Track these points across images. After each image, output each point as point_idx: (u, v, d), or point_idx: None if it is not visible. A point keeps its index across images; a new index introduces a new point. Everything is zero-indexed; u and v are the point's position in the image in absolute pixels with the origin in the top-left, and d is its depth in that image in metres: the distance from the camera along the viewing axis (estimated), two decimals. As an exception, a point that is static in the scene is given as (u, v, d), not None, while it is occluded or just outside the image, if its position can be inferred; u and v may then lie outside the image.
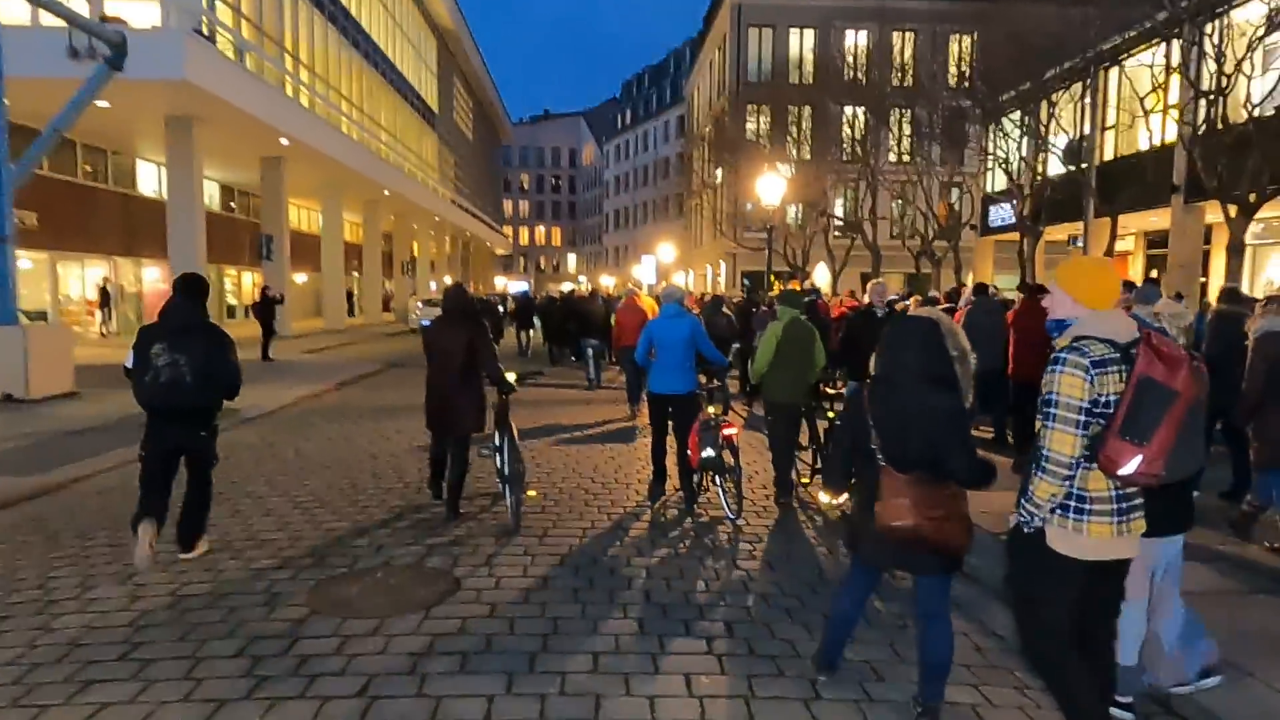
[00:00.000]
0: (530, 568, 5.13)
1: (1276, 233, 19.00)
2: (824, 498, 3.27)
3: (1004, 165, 21.73)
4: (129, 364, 5.02)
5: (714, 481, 6.65)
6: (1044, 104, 20.56)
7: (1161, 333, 3.14)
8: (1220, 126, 13.79)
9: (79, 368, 12.71)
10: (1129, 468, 2.63)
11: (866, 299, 9.70)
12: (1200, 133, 14.05)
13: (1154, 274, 21.00)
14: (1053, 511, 2.83)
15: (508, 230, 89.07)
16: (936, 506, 3.14)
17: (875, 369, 3.37)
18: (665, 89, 69.38)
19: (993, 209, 28.26)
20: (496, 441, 6.42)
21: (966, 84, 26.16)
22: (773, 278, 35.73)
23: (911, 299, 11.51)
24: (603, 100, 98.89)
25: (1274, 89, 13.11)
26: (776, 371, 6.68)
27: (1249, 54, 13.19)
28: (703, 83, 47.97)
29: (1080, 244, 23.65)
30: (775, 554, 5.56)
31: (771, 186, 12.43)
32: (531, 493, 6.90)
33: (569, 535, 5.89)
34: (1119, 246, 24.27)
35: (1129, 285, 9.95)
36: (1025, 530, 2.91)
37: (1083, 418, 2.70)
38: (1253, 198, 13.51)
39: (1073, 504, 2.81)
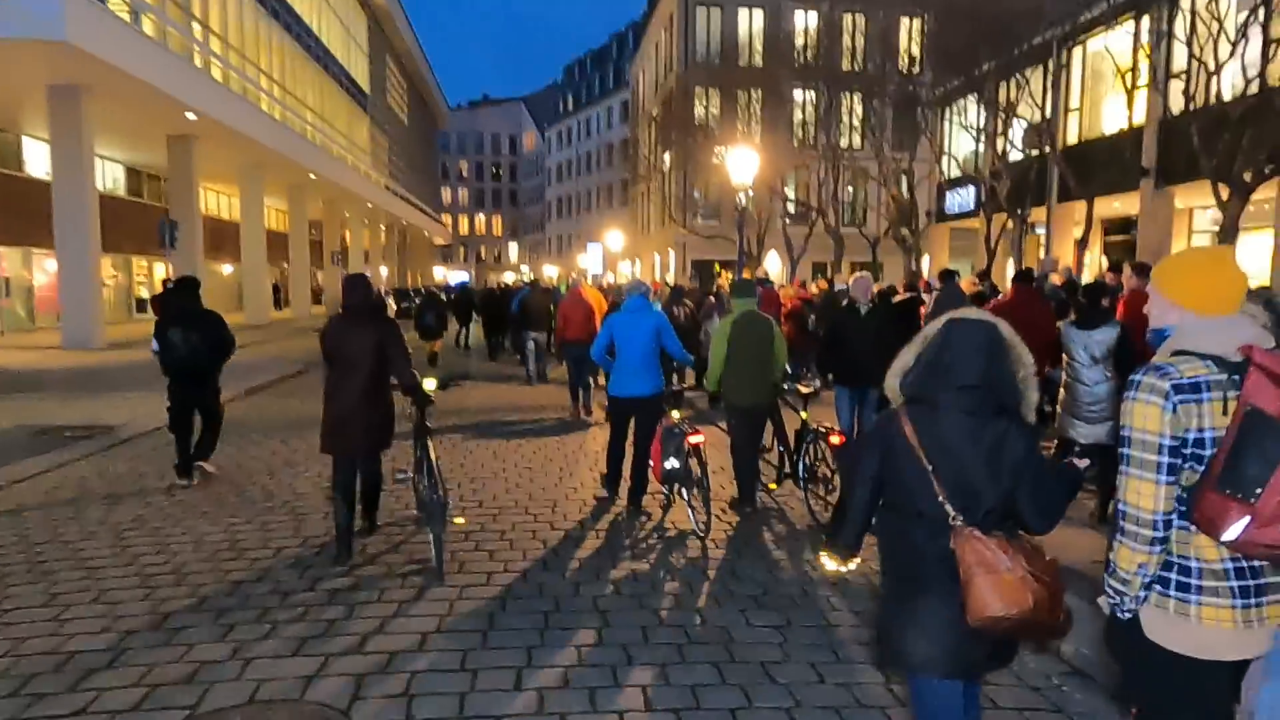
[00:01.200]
0: (469, 696, 3.46)
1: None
2: (829, 564, 2.41)
3: (977, 136, 20.50)
4: (155, 348, 6.88)
5: (680, 495, 6.05)
6: (1009, 83, 19.51)
7: None
8: (1217, 101, 12.82)
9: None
10: (1232, 532, 1.93)
11: (848, 293, 8.50)
12: (1198, 108, 13.04)
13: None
14: (1148, 587, 2.08)
15: (446, 219, 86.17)
16: (1046, 572, 2.30)
17: (912, 388, 2.48)
18: (608, 73, 67.50)
19: (949, 194, 27.42)
20: (414, 464, 5.56)
21: (916, 69, 25.24)
22: (718, 266, 34.61)
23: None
24: (543, 85, 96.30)
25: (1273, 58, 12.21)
26: (734, 371, 6.13)
27: (1253, 20, 12.20)
28: (648, 65, 46.40)
29: (1041, 231, 22.97)
30: (775, 598, 4.12)
31: (743, 162, 10.96)
32: (459, 519, 5.78)
33: (520, 619, 4.28)
34: (1076, 233, 23.68)
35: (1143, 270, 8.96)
36: (1119, 616, 2.14)
37: (1166, 459, 2.02)
38: (1248, 176, 12.60)
39: (1174, 576, 2.07)
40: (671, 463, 5.85)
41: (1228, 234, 12.98)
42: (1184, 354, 2.11)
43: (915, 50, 26.61)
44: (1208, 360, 2.06)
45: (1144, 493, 2.04)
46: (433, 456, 5.14)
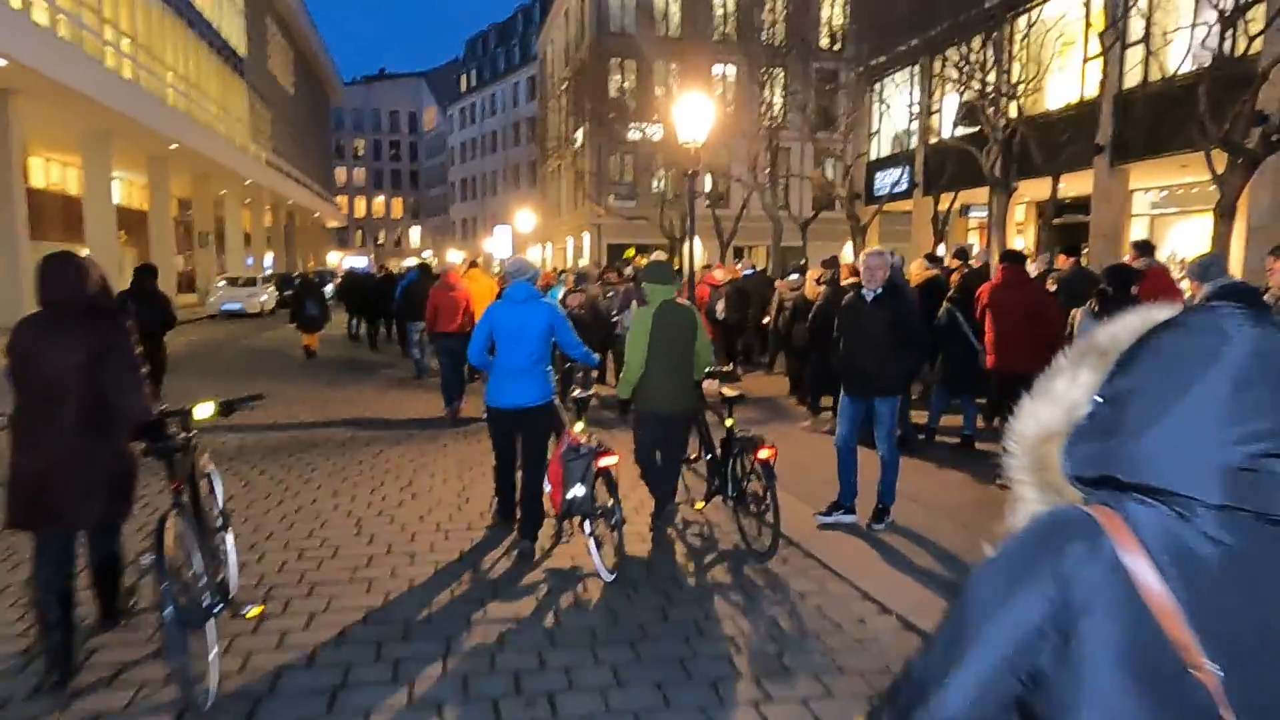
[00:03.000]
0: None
1: (1180, 200, 17.37)
2: None
3: (971, 101, 18.51)
4: None
5: (582, 529, 4.90)
6: (969, 45, 17.83)
7: None
8: (1223, 60, 11.26)
9: None
10: None
11: (809, 276, 8.17)
12: (1209, 67, 11.44)
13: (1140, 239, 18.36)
14: None
15: (341, 200, 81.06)
16: None
17: (1104, 465, 0.96)
18: (514, 48, 64.33)
19: (879, 175, 26.04)
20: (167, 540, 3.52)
21: (840, 44, 23.76)
22: (632, 251, 32.43)
23: (916, 264, 8.39)
24: (444, 60, 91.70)
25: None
26: (653, 372, 5.28)
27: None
28: (558, 35, 43.70)
29: (978, 214, 21.74)
30: None
31: (695, 114, 8.50)
32: (254, 611, 4.09)
33: None
34: (1019, 214, 22.50)
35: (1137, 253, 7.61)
36: None
37: None
38: (1249, 143, 11.12)
39: None
40: (576, 491, 4.81)
41: (1225, 209, 11.50)
42: None
43: (841, 20, 25.09)
44: None
45: None
46: (168, 539, 3.30)
